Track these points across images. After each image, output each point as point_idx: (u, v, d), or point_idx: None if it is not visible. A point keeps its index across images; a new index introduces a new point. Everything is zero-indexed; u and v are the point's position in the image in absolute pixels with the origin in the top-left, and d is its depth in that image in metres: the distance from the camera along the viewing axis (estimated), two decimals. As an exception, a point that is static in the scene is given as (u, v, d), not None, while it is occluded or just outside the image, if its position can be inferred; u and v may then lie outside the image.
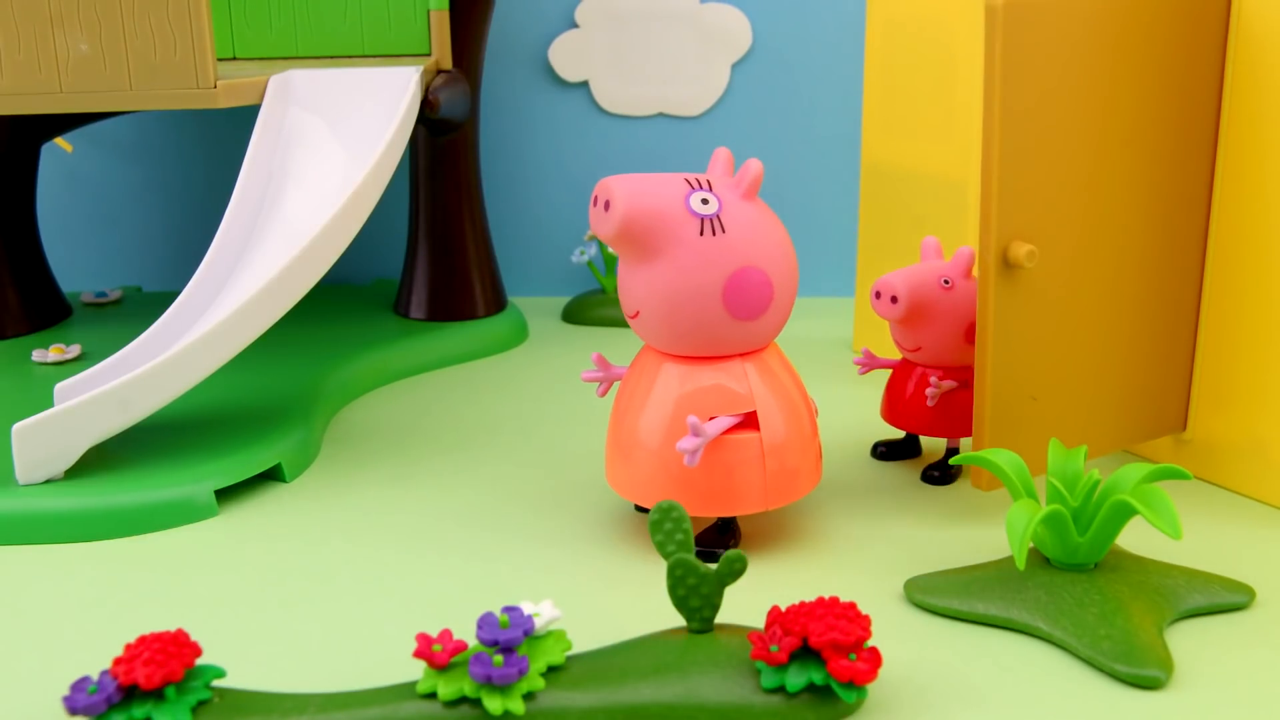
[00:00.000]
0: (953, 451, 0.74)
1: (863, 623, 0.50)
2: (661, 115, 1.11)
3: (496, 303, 1.03)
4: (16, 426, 0.67)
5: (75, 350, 0.91)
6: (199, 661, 0.51)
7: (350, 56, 0.92)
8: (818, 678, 0.49)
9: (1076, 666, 0.54)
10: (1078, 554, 0.58)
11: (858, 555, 0.65)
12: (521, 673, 0.48)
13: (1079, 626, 0.56)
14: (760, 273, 0.59)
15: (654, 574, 0.62)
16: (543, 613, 0.51)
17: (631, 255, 0.60)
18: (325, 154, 0.79)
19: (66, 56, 0.76)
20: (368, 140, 0.79)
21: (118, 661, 0.48)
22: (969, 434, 0.70)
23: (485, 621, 0.50)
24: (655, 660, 0.52)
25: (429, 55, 0.92)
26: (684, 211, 0.58)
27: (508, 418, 0.85)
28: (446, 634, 0.50)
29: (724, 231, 0.59)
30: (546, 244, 1.14)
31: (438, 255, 1.00)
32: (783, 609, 0.52)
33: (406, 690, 0.49)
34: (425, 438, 0.81)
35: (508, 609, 0.50)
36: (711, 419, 0.60)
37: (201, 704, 0.48)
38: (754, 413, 0.61)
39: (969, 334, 0.69)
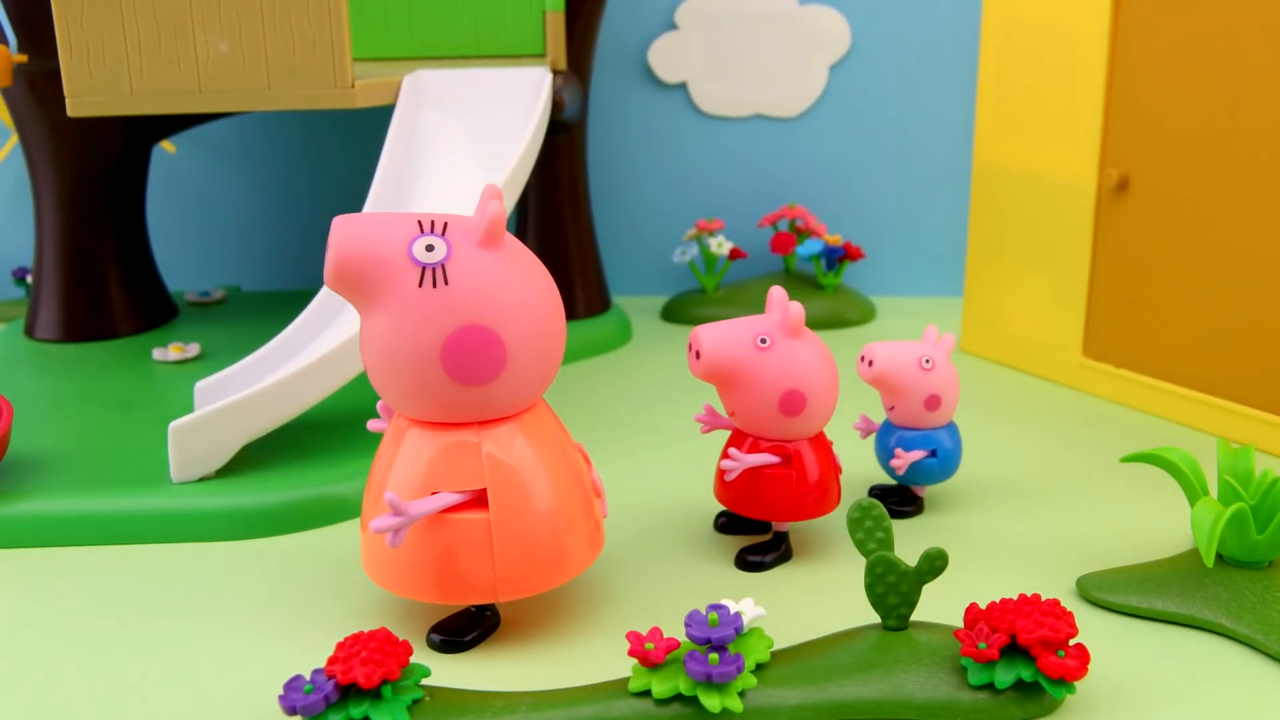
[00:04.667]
0: (778, 535, 0.65)
1: (1069, 619, 0.50)
2: (758, 116, 1.11)
3: (601, 303, 1.03)
4: (173, 425, 0.67)
5: (195, 349, 0.91)
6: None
7: (465, 57, 0.93)
8: (1026, 674, 0.49)
9: (1266, 664, 0.54)
10: (1255, 551, 0.58)
11: (1019, 554, 0.65)
12: (739, 670, 0.48)
13: (1265, 624, 0.55)
14: (487, 332, 0.51)
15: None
16: (746, 610, 0.51)
17: (352, 303, 0.52)
18: (458, 155, 0.79)
19: (206, 56, 0.76)
20: (502, 141, 0.79)
21: (333, 661, 0.48)
22: (779, 518, 0.63)
23: (694, 620, 0.50)
24: (857, 658, 0.52)
25: (543, 56, 0.92)
26: (404, 258, 0.50)
27: (626, 418, 0.85)
28: (657, 632, 0.50)
29: (447, 284, 0.50)
30: (643, 243, 1.14)
31: (545, 255, 1.00)
32: (980, 607, 0.52)
33: (618, 688, 0.50)
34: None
35: (714, 607, 0.50)
36: (434, 494, 0.53)
37: (415, 702, 0.48)
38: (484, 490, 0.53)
39: (785, 403, 0.61)
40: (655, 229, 1.14)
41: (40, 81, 0.91)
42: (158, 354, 0.91)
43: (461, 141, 0.80)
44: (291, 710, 0.46)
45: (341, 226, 0.51)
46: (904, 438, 0.68)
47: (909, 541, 0.65)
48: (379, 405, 0.59)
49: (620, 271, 1.14)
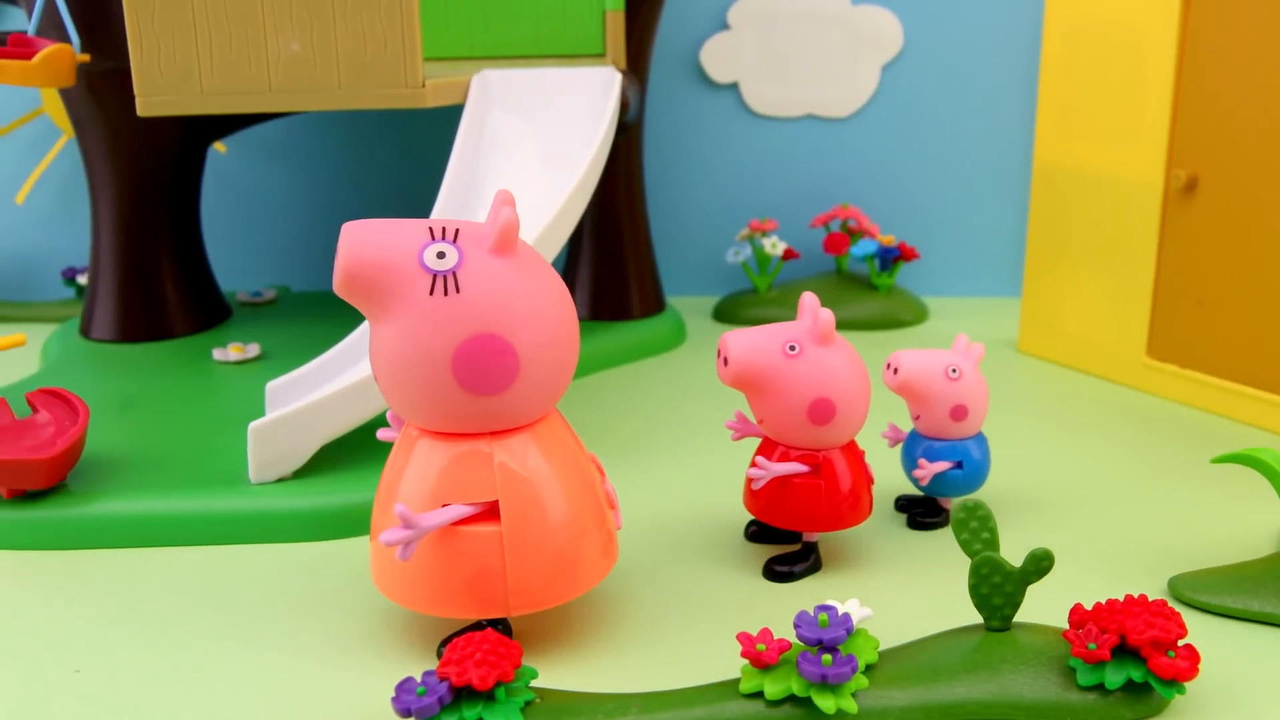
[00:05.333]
0: (808, 545, 0.63)
1: (1178, 620, 0.50)
2: (810, 116, 1.11)
3: (656, 304, 1.03)
4: (253, 426, 0.67)
5: (255, 349, 0.91)
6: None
7: (525, 57, 0.92)
8: (1136, 675, 0.49)
9: (1370, 665, 0.54)
10: (1349, 553, 0.58)
11: (1105, 556, 0.64)
12: (854, 671, 0.48)
13: (1365, 625, 0.55)
14: (499, 341, 0.50)
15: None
16: (854, 611, 0.51)
17: (362, 311, 0.51)
18: (527, 156, 0.79)
19: (276, 56, 0.76)
20: (570, 141, 0.79)
21: (445, 662, 0.47)
22: (808, 528, 0.62)
23: (804, 620, 0.50)
24: (963, 659, 0.51)
25: (602, 55, 0.92)
26: (414, 265, 0.49)
27: (685, 419, 0.84)
28: (767, 633, 0.49)
29: (458, 291, 0.49)
30: (695, 244, 1.14)
31: (601, 255, 1.00)
32: (1085, 608, 0.52)
33: (729, 689, 0.49)
34: (605, 440, 0.81)
35: (822, 607, 0.50)
36: (445, 505, 0.52)
37: (527, 704, 0.48)
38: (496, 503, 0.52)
39: (814, 411, 0.60)
40: (706, 229, 1.14)
41: (99, 81, 0.90)
42: (218, 354, 0.90)
43: (530, 142, 0.80)
44: (406, 712, 0.46)
45: (351, 233, 0.50)
46: (930, 448, 0.67)
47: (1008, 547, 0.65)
48: (389, 414, 0.58)
49: (671, 271, 1.14)
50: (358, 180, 1.14)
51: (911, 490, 0.72)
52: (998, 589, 0.52)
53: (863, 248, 1.05)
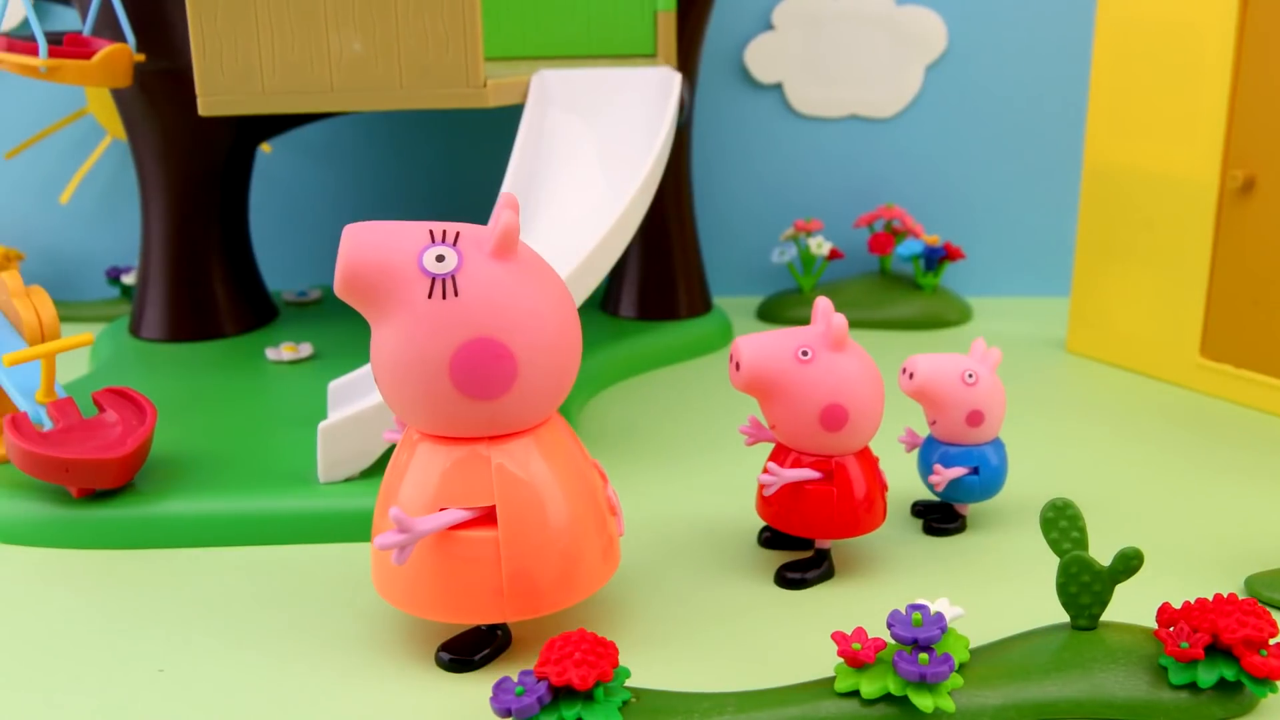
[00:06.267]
0: (820, 552, 0.63)
1: (1269, 619, 0.50)
2: (853, 117, 1.11)
3: (703, 304, 1.03)
4: (322, 425, 0.67)
5: (307, 349, 0.91)
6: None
7: (576, 57, 0.92)
8: (1228, 673, 0.49)
9: None
10: None
11: (1176, 556, 0.64)
12: (951, 669, 0.48)
13: None
14: (497, 345, 0.49)
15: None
16: (945, 610, 0.51)
17: (363, 313, 0.51)
18: (588, 156, 0.79)
19: (339, 56, 0.76)
20: (630, 142, 0.79)
21: (544, 662, 0.47)
22: (819, 535, 0.61)
23: (898, 619, 0.50)
24: (1053, 658, 0.52)
25: (653, 55, 0.92)
26: (413, 268, 0.49)
27: (725, 421, 0.84)
28: (861, 632, 0.50)
29: (456, 295, 0.49)
30: (738, 244, 1.14)
31: (650, 254, 1.00)
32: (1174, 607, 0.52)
33: (824, 688, 0.49)
34: (658, 440, 0.81)
35: (914, 606, 0.50)
36: (442, 510, 0.52)
37: (624, 704, 0.48)
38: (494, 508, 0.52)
39: (826, 418, 0.59)
40: (749, 229, 1.14)
41: (152, 81, 0.91)
42: (271, 354, 0.90)
43: (589, 142, 0.80)
44: (506, 712, 0.46)
45: (351, 235, 0.50)
46: (947, 453, 0.66)
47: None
48: (395, 416, 0.57)
49: (714, 271, 1.14)
50: (398, 180, 1.14)
51: (928, 495, 0.71)
52: (1086, 588, 0.52)
53: (909, 247, 1.05)
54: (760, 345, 0.59)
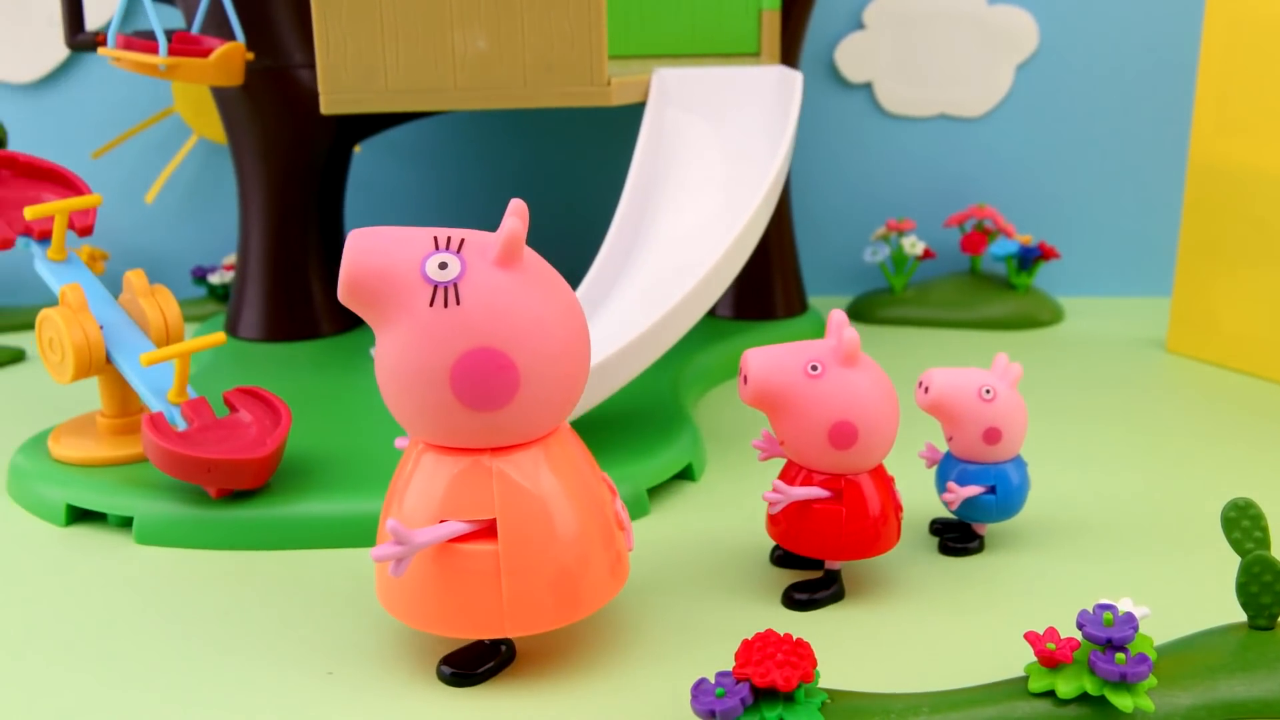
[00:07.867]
0: (830, 573, 0.61)
1: None
2: (943, 116, 1.10)
3: (799, 304, 1.02)
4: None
5: (411, 349, 0.91)
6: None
7: (681, 55, 0.92)
8: None
9: None
10: None
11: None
12: (1149, 669, 0.48)
13: None
14: (499, 356, 0.48)
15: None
16: (1134, 610, 0.50)
17: (366, 320, 0.50)
18: (710, 156, 0.79)
19: (462, 54, 0.76)
20: (752, 143, 0.78)
21: (744, 663, 0.47)
22: (828, 555, 0.59)
23: (1088, 619, 0.49)
24: (1236, 658, 0.51)
25: (757, 54, 0.92)
26: (416, 275, 0.48)
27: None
28: (1053, 632, 0.49)
29: (459, 303, 0.48)
30: (827, 243, 1.14)
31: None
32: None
33: (1018, 688, 0.49)
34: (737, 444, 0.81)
35: (1103, 606, 0.50)
36: (443, 522, 0.51)
37: (822, 705, 0.48)
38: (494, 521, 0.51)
39: (835, 435, 0.57)
40: (838, 228, 1.13)
41: (254, 80, 0.90)
42: (374, 353, 0.90)
43: (710, 142, 0.79)
44: (710, 714, 0.46)
45: (355, 241, 0.49)
46: (965, 471, 0.64)
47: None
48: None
49: (806, 271, 1.14)
50: (482, 180, 1.14)
51: (947, 514, 0.69)
52: (1268, 588, 0.52)
53: (1003, 247, 1.05)
54: (769, 359, 0.57)
